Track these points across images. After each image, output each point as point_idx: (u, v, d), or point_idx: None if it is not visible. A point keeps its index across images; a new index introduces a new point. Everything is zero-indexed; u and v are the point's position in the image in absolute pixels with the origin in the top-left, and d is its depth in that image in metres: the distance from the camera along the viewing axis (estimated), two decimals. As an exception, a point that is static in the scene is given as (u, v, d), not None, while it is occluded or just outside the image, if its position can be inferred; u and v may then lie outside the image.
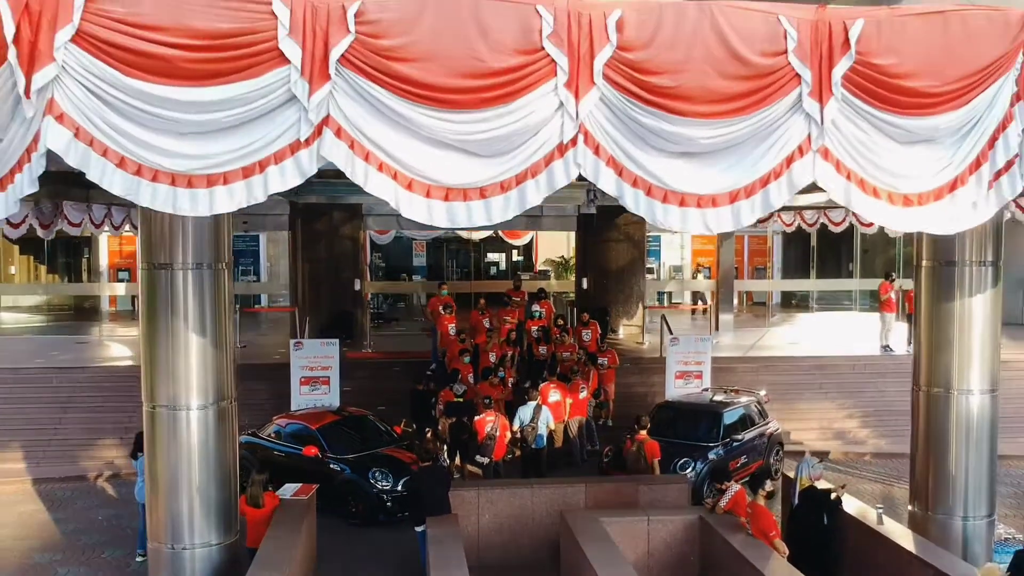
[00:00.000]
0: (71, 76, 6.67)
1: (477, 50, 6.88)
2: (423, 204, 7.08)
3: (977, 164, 7.66)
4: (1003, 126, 7.61)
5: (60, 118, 6.69)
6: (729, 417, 16.85)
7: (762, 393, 18.22)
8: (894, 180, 7.60)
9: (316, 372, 18.56)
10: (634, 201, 7.32)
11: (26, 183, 6.87)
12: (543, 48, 6.98)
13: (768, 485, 11.59)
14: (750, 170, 7.36)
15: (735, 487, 12.05)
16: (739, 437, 16.64)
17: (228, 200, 6.95)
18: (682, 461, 15.23)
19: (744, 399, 17.74)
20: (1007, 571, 9.30)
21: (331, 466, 15.36)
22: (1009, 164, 7.73)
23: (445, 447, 16.28)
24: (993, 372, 11.46)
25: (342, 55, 6.82)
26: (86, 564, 13.72)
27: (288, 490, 12.74)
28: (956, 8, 7.49)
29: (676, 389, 18.93)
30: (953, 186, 7.66)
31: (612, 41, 7.01)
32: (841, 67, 7.26)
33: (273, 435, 16.45)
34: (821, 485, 12.42)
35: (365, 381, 20.15)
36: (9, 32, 6.54)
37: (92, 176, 6.85)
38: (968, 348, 11.30)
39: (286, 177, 6.98)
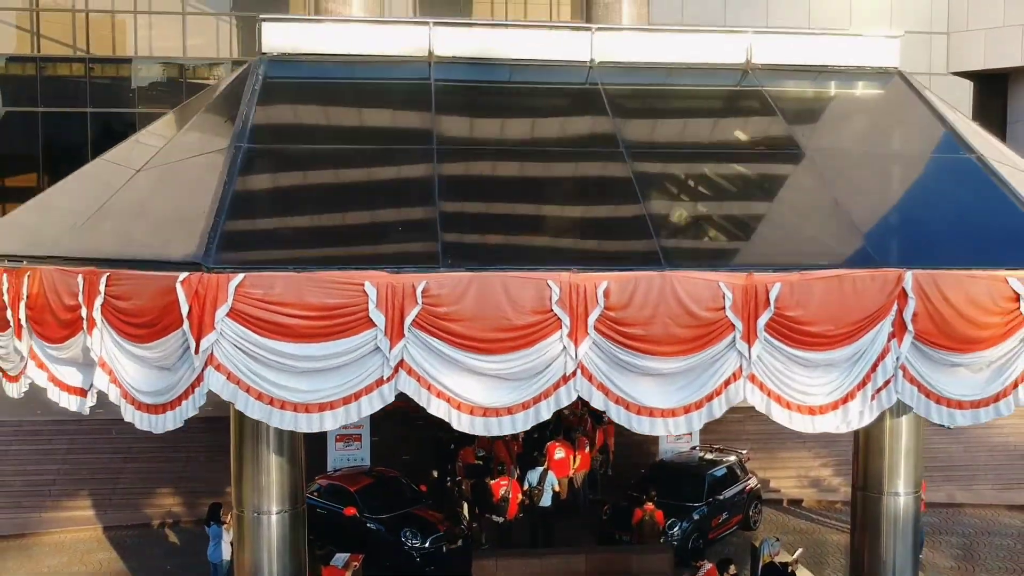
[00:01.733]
0: (225, 338, 10.33)
1: (506, 312, 10.55)
2: (468, 419, 10.78)
3: (863, 383, 11.35)
4: (882, 356, 11.28)
5: (218, 367, 10.38)
6: (712, 477, 20.49)
7: (744, 452, 21.87)
8: (802, 396, 11.29)
9: (350, 430, 22.25)
10: (616, 414, 11.02)
11: (189, 408, 10.62)
12: (552, 310, 10.64)
13: (732, 568, 15.31)
14: (699, 390, 11.06)
15: (707, 566, 15.81)
16: (721, 496, 20.29)
17: (332, 421, 10.67)
18: (669, 522, 18.84)
19: (729, 458, 21.38)
20: None
21: (367, 525, 18.98)
22: (887, 383, 11.43)
23: (466, 504, 20.10)
24: (916, 477, 15.08)
25: (413, 320, 10.46)
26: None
27: (340, 560, 16.46)
28: (848, 272, 11.12)
29: (668, 444, 22.62)
30: (845, 400, 11.34)
31: (600, 304, 10.68)
32: (763, 318, 10.92)
33: (315, 494, 20.08)
34: (780, 558, 16.20)
35: (390, 432, 23.77)
36: (184, 310, 10.20)
37: (238, 406, 10.58)
38: (896, 459, 14.86)
39: (373, 404, 10.68)
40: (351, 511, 18.98)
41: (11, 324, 12.42)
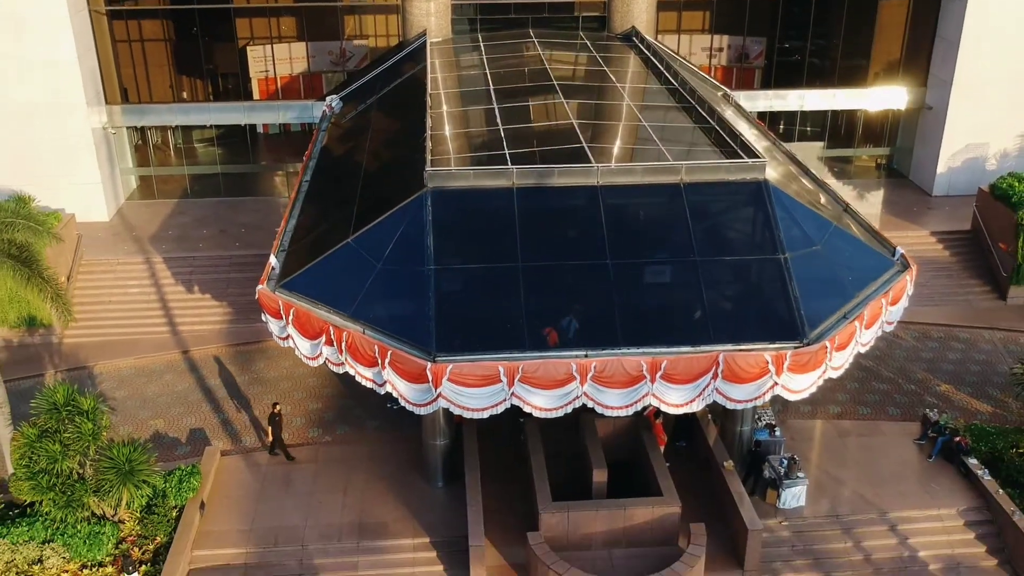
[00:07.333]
0: (445, 387, 29.99)
1: (553, 375, 30.51)
2: (537, 413, 30.67)
3: (699, 395, 31.39)
4: (707, 386, 31.30)
5: (442, 396, 30.17)
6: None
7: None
8: (674, 401, 31.03)
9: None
10: (594, 405, 30.87)
11: (435, 407, 30.54)
12: (572, 373, 30.23)
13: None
14: (631, 401, 30.88)
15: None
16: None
17: (482, 415, 30.67)
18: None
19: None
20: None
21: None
22: (708, 394, 31.16)
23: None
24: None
25: (519, 378, 30.05)
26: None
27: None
28: (695, 355, 30.47)
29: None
30: (691, 401, 31.30)
31: (592, 371, 30.25)
32: (659, 373, 30.75)
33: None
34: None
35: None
36: (429, 378, 29.75)
37: (452, 409, 30.48)
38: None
39: (498, 409, 30.69)
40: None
41: (334, 346, 31.76)
